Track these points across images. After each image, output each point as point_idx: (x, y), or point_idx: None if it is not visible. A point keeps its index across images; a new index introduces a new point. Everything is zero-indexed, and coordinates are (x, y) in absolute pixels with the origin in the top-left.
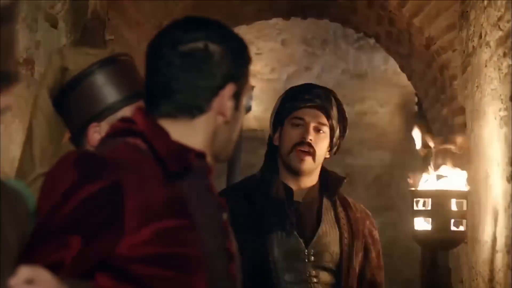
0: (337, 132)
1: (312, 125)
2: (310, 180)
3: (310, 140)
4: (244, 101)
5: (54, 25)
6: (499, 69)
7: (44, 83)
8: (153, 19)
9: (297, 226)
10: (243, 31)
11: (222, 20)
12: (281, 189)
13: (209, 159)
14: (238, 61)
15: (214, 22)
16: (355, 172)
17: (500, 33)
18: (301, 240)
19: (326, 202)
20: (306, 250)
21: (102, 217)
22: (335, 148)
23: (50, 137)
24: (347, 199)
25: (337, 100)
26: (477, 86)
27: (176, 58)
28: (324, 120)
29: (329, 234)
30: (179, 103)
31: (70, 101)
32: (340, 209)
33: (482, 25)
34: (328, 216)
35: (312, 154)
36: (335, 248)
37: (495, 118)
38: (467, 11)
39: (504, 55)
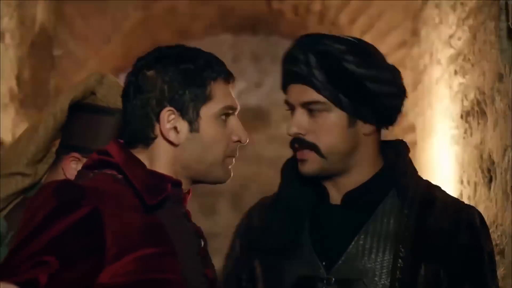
0: (345, 101)
1: (298, 108)
2: (357, 174)
3: (297, 134)
4: (214, 120)
5: (1, 40)
6: (450, 87)
7: (72, 93)
8: (101, 34)
9: (319, 243)
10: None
11: (171, 36)
12: (304, 191)
13: (185, 185)
14: (176, 84)
15: (162, 49)
16: None
17: (452, 50)
18: (319, 263)
19: (390, 204)
20: (326, 277)
21: (83, 245)
22: (374, 120)
23: (47, 143)
24: (436, 195)
25: (324, 54)
26: (428, 104)
27: (125, 90)
28: (311, 94)
29: (371, 254)
30: (131, 132)
31: (78, 119)
32: (412, 214)
33: (433, 42)
34: (379, 226)
35: (314, 149)
36: (380, 277)
37: (446, 136)
38: (418, 28)
39: (455, 73)
